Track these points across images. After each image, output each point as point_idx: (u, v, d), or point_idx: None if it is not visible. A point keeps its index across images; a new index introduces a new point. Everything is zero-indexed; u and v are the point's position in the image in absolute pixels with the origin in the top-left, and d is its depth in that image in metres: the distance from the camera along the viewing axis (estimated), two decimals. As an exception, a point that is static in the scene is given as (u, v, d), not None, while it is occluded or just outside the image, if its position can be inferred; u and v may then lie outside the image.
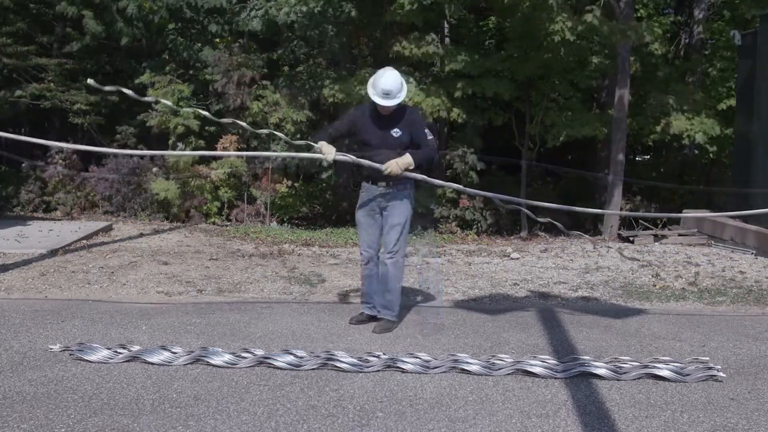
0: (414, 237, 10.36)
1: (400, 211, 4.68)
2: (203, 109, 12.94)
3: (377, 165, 4.57)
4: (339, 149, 4.73)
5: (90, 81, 5.04)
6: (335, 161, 4.73)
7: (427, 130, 4.70)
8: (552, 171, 15.49)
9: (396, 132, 4.64)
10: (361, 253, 4.87)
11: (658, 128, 10.94)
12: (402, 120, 4.67)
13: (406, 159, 4.55)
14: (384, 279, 4.72)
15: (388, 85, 4.52)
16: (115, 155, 12.05)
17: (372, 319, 4.88)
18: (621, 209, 10.83)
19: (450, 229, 11.38)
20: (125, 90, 5.01)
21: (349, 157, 4.67)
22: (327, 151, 4.61)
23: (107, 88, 5.03)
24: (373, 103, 4.66)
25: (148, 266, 6.80)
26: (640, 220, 10.75)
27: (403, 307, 4.98)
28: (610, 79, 12.05)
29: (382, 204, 4.71)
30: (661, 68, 12.75)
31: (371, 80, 4.62)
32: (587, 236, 5.47)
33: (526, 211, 5.23)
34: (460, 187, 5.45)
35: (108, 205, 12.03)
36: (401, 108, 4.72)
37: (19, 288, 5.81)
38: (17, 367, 3.85)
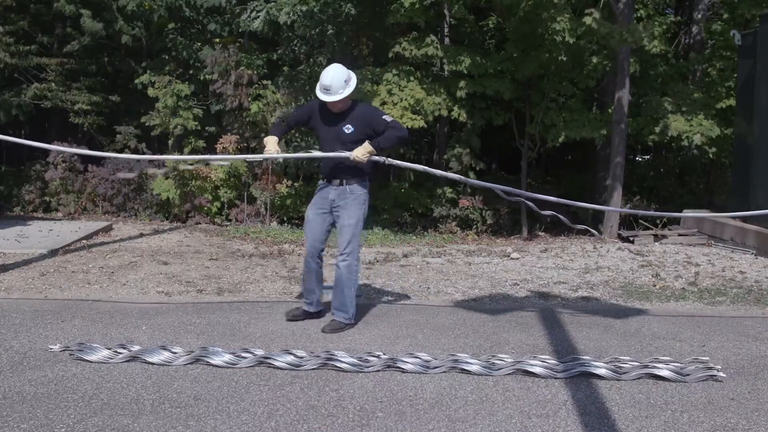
0: (414, 237, 10.36)
1: (352, 211, 4.64)
2: (203, 109, 13.00)
3: (345, 154, 4.53)
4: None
5: None
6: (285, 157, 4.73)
7: (385, 116, 4.66)
8: (552, 171, 15.51)
9: (348, 128, 4.60)
10: (306, 249, 4.85)
11: (657, 129, 10.93)
12: (353, 116, 4.63)
13: (368, 147, 4.52)
14: (338, 281, 4.68)
15: (327, 81, 4.49)
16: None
17: (308, 315, 4.88)
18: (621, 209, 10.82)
19: (450, 229, 11.38)
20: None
21: (297, 155, 4.66)
22: (269, 149, 4.61)
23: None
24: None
25: (148, 266, 6.81)
26: (640, 220, 10.76)
27: (371, 305, 4.98)
28: (610, 79, 12.05)
29: (335, 203, 4.68)
30: (660, 68, 12.75)
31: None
32: (593, 231, 5.41)
33: (529, 204, 5.18)
34: (461, 177, 5.42)
35: (108, 205, 12.04)
36: (352, 104, 4.69)
37: (19, 288, 5.81)
38: (17, 367, 3.85)
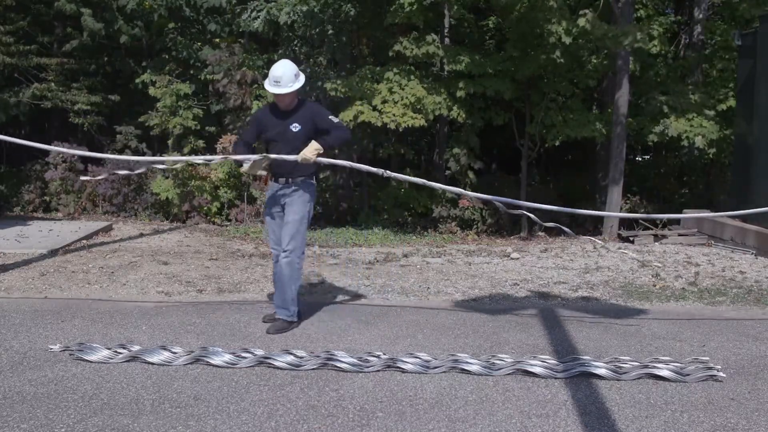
0: (414, 237, 10.36)
1: (296, 208, 4.65)
2: (203, 109, 13.00)
3: (291, 157, 4.53)
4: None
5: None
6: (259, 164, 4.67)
7: (331, 116, 4.68)
8: (552, 171, 15.52)
9: (295, 126, 4.62)
10: (270, 252, 4.83)
11: (657, 129, 10.92)
12: (300, 114, 4.65)
13: (314, 145, 4.52)
14: (279, 278, 4.66)
15: (278, 73, 4.52)
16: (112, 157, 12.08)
17: None
18: (620, 209, 10.82)
19: (450, 229, 11.38)
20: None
21: (269, 157, 4.63)
22: (253, 171, 4.59)
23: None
24: (274, 101, 4.67)
25: (148, 266, 6.81)
26: (640, 221, 10.75)
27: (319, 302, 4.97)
28: (610, 80, 12.05)
29: (282, 201, 4.69)
30: (660, 69, 12.75)
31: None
32: (595, 239, 5.42)
33: (531, 216, 5.17)
34: (460, 190, 5.41)
35: (108, 205, 12.04)
36: (300, 102, 4.71)
37: (19, 288, 5.81)
38: (17, 367, 3.85)
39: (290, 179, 4.66)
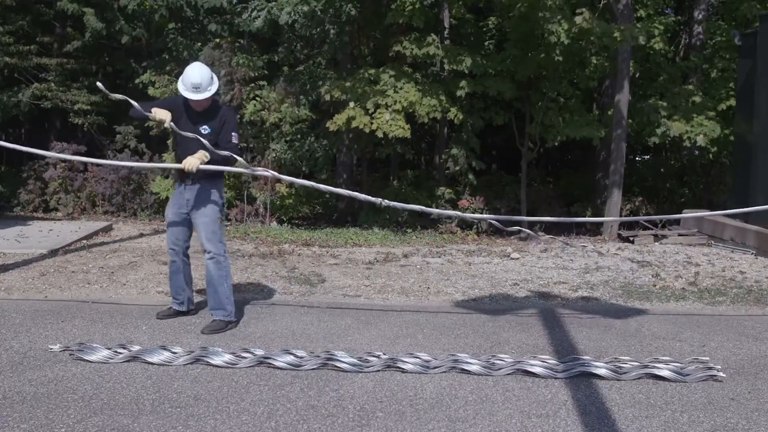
0: (414, 237, 10.36)
1: (206, 209, 4.64)
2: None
3: (176, 166, 4.55)
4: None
5: (99, 84, 4.74)
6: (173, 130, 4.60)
7: (233, 133, 4.64)
8: (552, 171, 15.52)
9: (205, 129, 4.59)
10: (168, 249, 4.84)
11: (659, 131, 10.91)
12: (214, 118, 4.63)
13: (199, 153, 4.48)
14: (208, 280, 4.67)
15: (196, 79, 4.48)
16: (114, 157, 12.12)
17: (179, 314, 4.90)
18: (621, 209, 10.82)
19: (450, 229, 11.37)
20: (132, 101, 4.72)
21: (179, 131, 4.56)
22: (162, 116, 4.46)
23: (116, 96, 4.69)
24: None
25: (148, 266, 6.80)
26: (640, 221, 10.75)
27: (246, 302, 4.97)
28: (611, 81, 12.04)
29: (190, 202, 4.68)
30: (661, 69, 12.75)
31: (182, 76, 4.56)
32: (588, 243, 5.48)
33: (528, 231, 5.20)
34: (457, 213, 5.46)
35: (108, 205, 12.04)
36: (216, 106, 4.69)
37: (19, 288, 5.81)
38: (17, 367, 3.85)
39: (195, 180, 4.63)
